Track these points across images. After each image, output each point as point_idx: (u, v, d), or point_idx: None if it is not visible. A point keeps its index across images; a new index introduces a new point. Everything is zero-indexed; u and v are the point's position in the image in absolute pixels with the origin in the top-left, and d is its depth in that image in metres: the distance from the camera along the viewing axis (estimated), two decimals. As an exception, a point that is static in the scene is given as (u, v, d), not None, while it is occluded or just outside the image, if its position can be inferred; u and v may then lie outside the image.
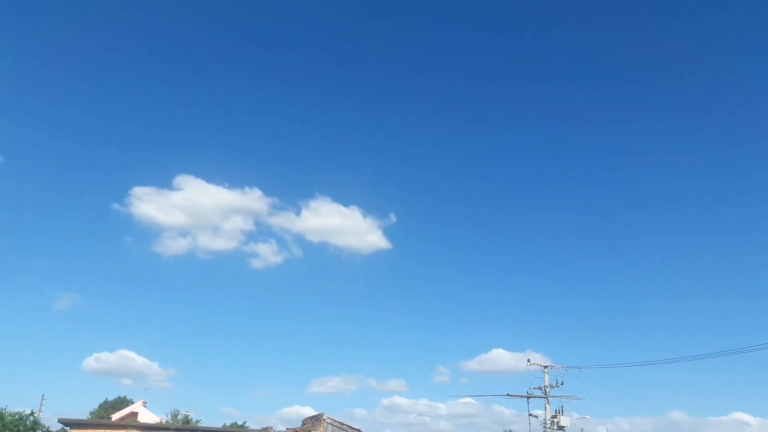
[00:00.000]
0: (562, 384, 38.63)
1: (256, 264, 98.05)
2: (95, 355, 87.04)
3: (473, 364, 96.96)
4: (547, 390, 38.85)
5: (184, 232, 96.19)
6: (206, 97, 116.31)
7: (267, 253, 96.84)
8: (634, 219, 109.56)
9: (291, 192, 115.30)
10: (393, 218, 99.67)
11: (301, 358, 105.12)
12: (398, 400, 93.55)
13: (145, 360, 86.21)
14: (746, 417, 76.28)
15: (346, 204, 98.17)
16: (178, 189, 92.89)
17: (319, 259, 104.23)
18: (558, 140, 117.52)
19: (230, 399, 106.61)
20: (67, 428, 27.12)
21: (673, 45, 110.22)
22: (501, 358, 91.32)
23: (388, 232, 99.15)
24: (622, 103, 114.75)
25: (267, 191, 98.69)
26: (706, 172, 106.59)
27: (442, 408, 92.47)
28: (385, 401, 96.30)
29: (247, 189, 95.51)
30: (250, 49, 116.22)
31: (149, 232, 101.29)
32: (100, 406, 67.84)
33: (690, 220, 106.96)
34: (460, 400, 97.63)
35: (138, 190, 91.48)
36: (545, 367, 39.45)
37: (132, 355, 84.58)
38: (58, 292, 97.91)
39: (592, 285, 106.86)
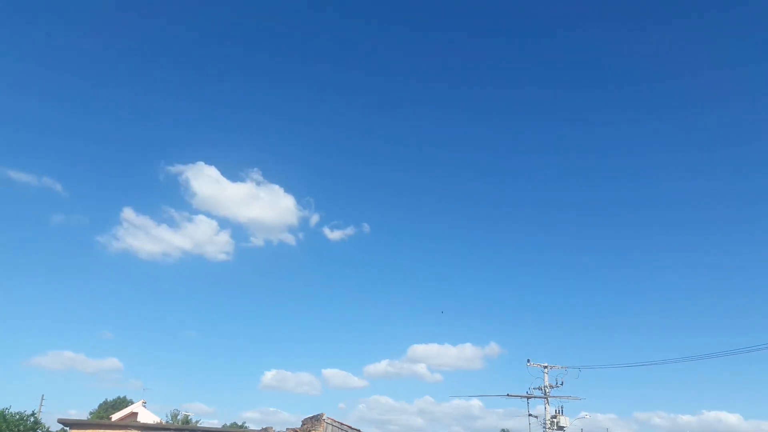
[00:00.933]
0: (562, 384, 38.67)
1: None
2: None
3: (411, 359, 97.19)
4: (547, 390, 38.86)
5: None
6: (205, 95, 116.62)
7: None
8: (634, 219, 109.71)
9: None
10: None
11: (250, 351, 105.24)
12: (366, 397, 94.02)
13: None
14: (732, 417, 76.65)
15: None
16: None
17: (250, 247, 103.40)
18: (557, 140, 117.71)
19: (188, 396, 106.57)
20: (67, 428, 27.15)
21: (673, 45, 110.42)
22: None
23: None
24: (621, 103, 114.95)
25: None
26: (706, 172, 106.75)
27: (407, 406, 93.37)
28: (366, 400, 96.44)
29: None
30: (243, 48, 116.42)
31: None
32: (100, 406, 67.91)
33: (690, 220, 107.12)
34: (422, 398, 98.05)
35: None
36: (545, 367, 39.46)
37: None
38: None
39: (591, 285, 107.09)
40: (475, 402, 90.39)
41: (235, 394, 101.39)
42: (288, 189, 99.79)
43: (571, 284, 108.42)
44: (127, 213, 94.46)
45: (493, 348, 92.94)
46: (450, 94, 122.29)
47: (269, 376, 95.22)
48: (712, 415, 78.45)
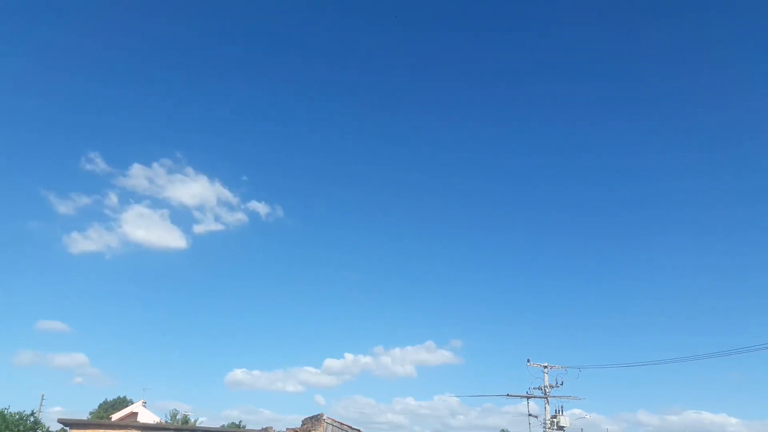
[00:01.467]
0: (561, 384, 38.65)
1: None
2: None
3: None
4: (547, 390, 38.84)
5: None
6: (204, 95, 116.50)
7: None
8: (633, 219, 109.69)
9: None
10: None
11: (218, 349, 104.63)
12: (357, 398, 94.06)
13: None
14: (717, 417, 76.71)
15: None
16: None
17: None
18: (557, 140, 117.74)
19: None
20: (67, 428, 27.10)
21: (673, 45, 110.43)
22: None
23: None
24: (621, 103, 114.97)
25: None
26: (706, 172, 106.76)
27: (383, 404, 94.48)
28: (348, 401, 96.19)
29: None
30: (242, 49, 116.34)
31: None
32: (100, 406, 67.98)
33: (690, 220, 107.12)
34: (398, 397, 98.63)
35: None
36: (545, 367, 39.43)
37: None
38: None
39: (591, 285, 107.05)
40: (454, 400, 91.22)
41: (210, 393, 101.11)
42: (276, 193, 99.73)
43: (570, 284, 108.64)
44: (55, 200, 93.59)
45: (457, 344, 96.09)
46: (449, 93, 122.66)
47: (238, 374, 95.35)
48: (693, 415, 78.86)
